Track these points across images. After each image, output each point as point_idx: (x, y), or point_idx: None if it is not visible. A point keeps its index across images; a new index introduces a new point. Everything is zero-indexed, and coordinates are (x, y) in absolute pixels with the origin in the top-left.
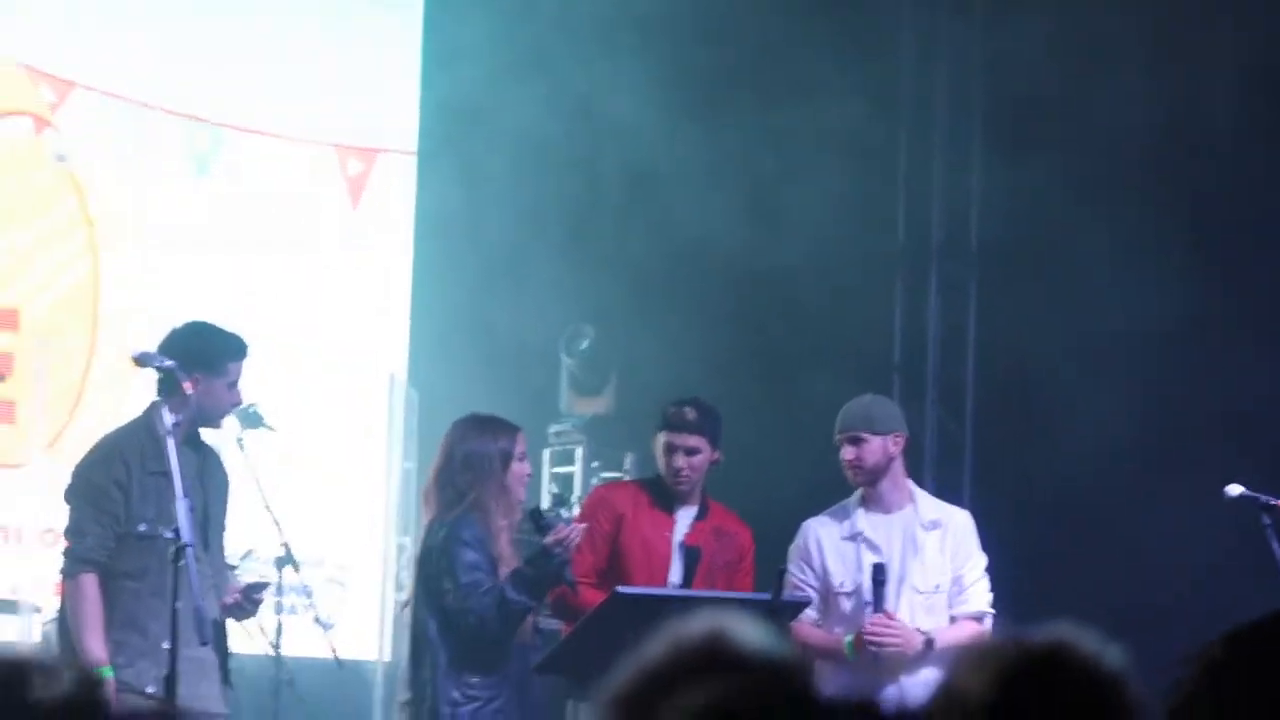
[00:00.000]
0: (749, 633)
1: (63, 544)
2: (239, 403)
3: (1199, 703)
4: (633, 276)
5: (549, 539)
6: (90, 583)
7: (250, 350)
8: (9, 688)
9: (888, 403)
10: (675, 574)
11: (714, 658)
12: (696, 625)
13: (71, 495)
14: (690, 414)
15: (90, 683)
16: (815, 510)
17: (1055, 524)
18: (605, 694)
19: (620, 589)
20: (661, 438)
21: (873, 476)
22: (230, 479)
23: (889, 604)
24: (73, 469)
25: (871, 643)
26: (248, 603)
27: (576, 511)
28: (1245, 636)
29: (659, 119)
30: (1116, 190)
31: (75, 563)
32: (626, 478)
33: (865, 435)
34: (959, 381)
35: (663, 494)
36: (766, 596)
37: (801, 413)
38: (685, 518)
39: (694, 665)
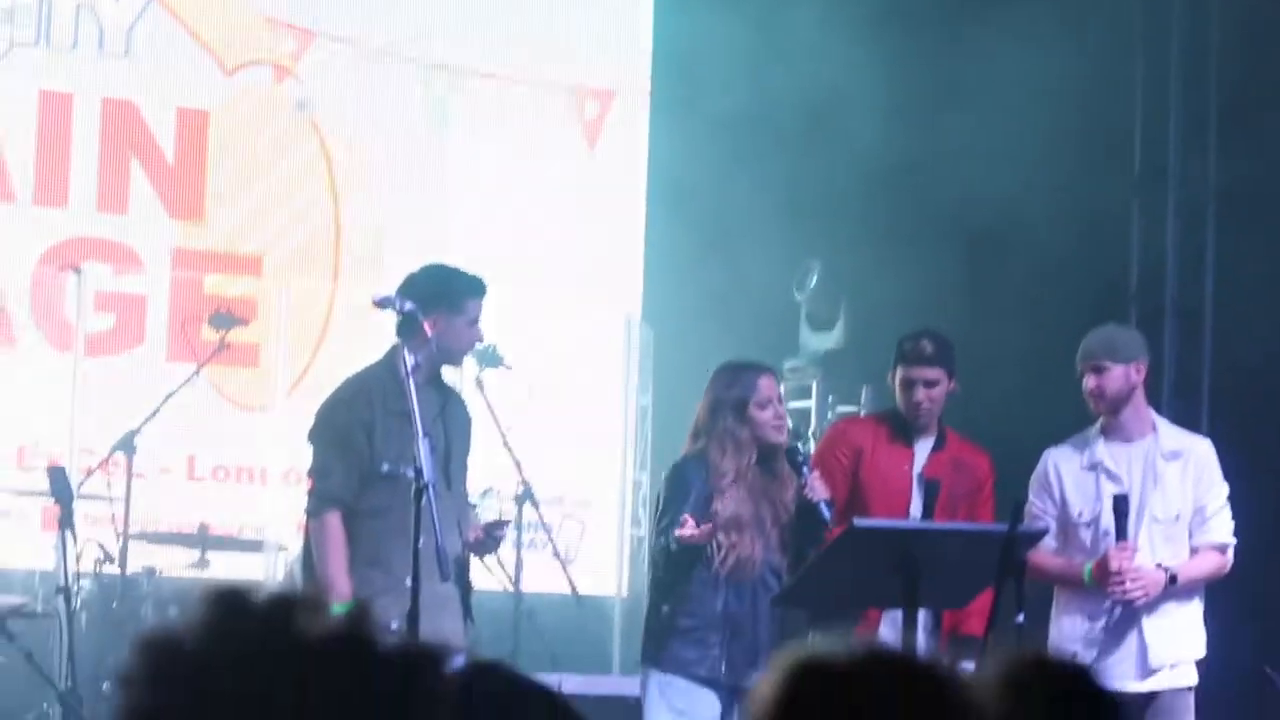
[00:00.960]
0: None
1: (306, 484)
2: (479, 340)
3: None
4: (862, 210)
5: (805, 491)
6: (335, 520)
7: (488, 289)
8: (274, 624)
9: (1130, 331)
10: (915, 506)
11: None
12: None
13: (315, 436)
14: (927, 346)
15: (357, 617)
16: (1055, 440)
17: None
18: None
19: (857, 521)
20: (899, 372)
21: (1115, 405)
22: (471, 419)
23: (1129, 537)
24: (316, 410)
25: (1114, 578)
26: (489, 539)
27: (813, 447)
28: None
29: (884, 52)
30: None
31: (321, 501)
32: (862, 412)
33: (1108, 364)
34: (1198, 310)
35: (901, 427)
36: (1003, 528)
37: (1038, 342)
38: (923, 449)
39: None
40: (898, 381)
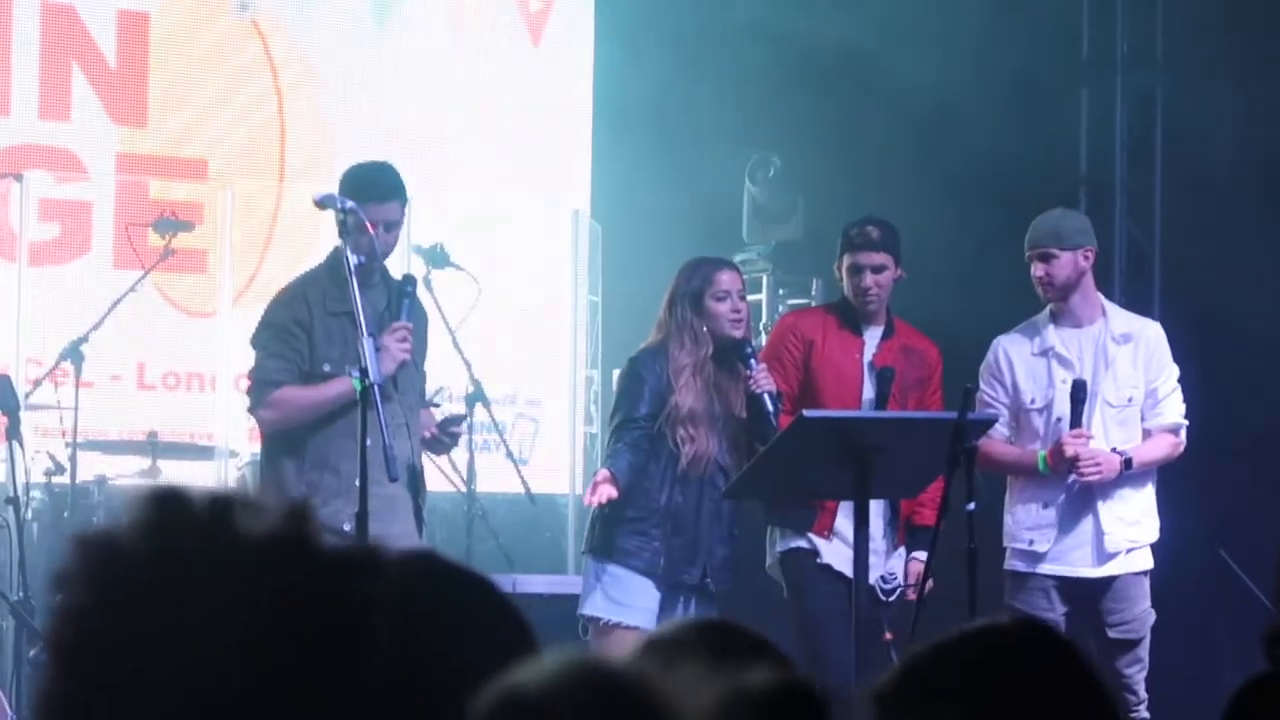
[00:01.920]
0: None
1: (247, 386)
2: (389, 248)
3: None
4: (812, 103)
5: (749, 383)
6: (286, 389)
7: (407, 195)
8: (213, 523)
9: (1077, 216)
10: (869, 395)
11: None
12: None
13: (255, 338)
14: (874, 232)
15: (298, 516)
16: (1004, 328)
17: (1241, 339)
18: None
19: (806, 412)
20: (845, 259)
21: (1063, 292)
22: (427, 318)
23: (1083, 423)
24: (259, 319)
25: (1071, 459)
26: (445, 436)
27: (764, 340)
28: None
29: None
30: None
31: (262, 386)
32: (814, 304)
33: (1055, 250)
34: (1147, 193)
35: (850, 316)
36: (953, 415)
37: (989, 229)
38: (873, 338)
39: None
40: (845, 269)
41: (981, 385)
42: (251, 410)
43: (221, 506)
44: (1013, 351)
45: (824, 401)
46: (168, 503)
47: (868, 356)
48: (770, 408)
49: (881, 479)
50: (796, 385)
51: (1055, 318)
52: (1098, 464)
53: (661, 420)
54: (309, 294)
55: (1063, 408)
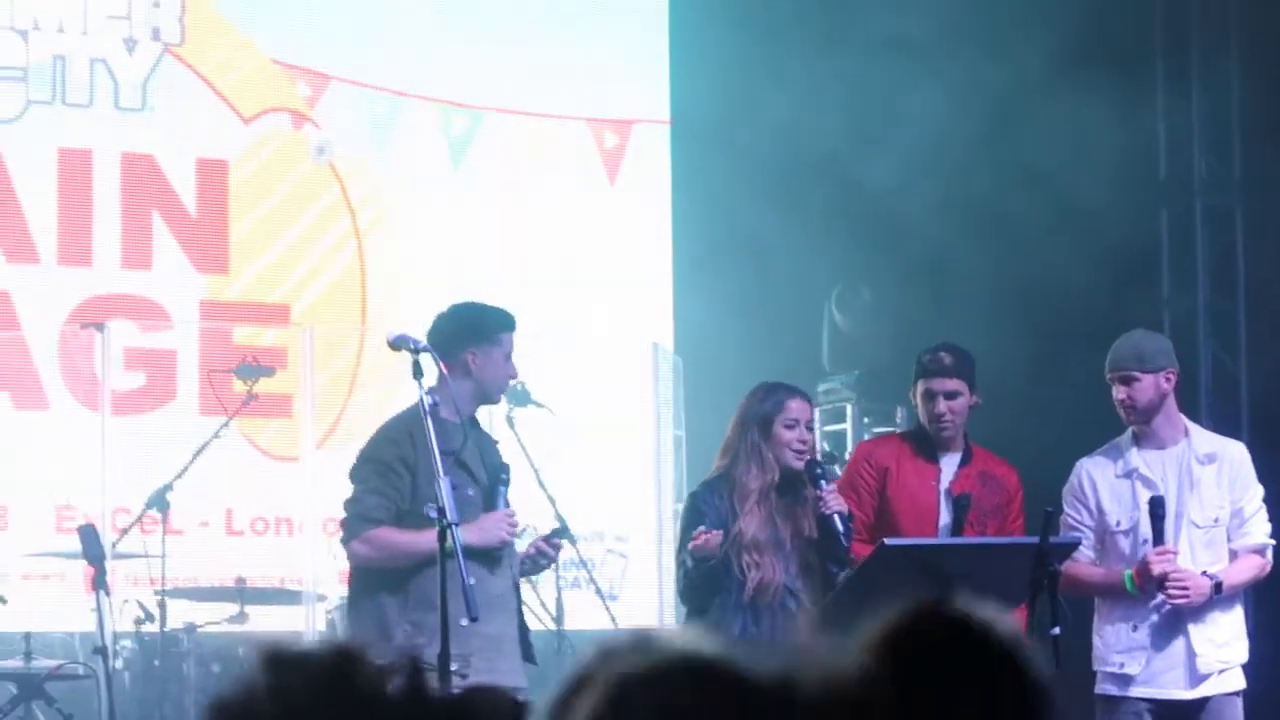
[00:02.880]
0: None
1: (342, 518)
2: (515, 375)
3: None
4: (895, 235)
5: (820, 504)
6: (383, 530)
7: (517, 324)
8: (336, 682)
9: (1158, 338)
10: (945, 521)
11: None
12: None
13: (355, 472)
14: (946, 358)
15: (412, 671)
16: (1086, 451)
17: None
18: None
19: (887, 541)
20: (920, 386)
21: (1146, 414)
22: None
23: (1168, 541)
24: (358, 453)
25: (1158, 578)
26: (550, 548)
27: (837, 470)
28: None
29: (906, 72)
30: None
31: (359, 521)
32: (898, 431)
33: (1137, 373)
34: (1231, 313)
35: (926, 443)
36: (1035, 540)
37: (1072, 352)
38: (950, 465)
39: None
40: (919, 395)
41: (1065, 508)
42: (344, 542)
43: (338, 661)
44: (1096, 474)
45: (901, 529)
46: (285, 659)
47: (944, 484)
48: (841, 528)
49: (963, 606)
50: (872, 513)
51: (1138, 439)
52: (1185, 587)
53: (727, 547)
54: (415, 433)
55: (1147, 529)
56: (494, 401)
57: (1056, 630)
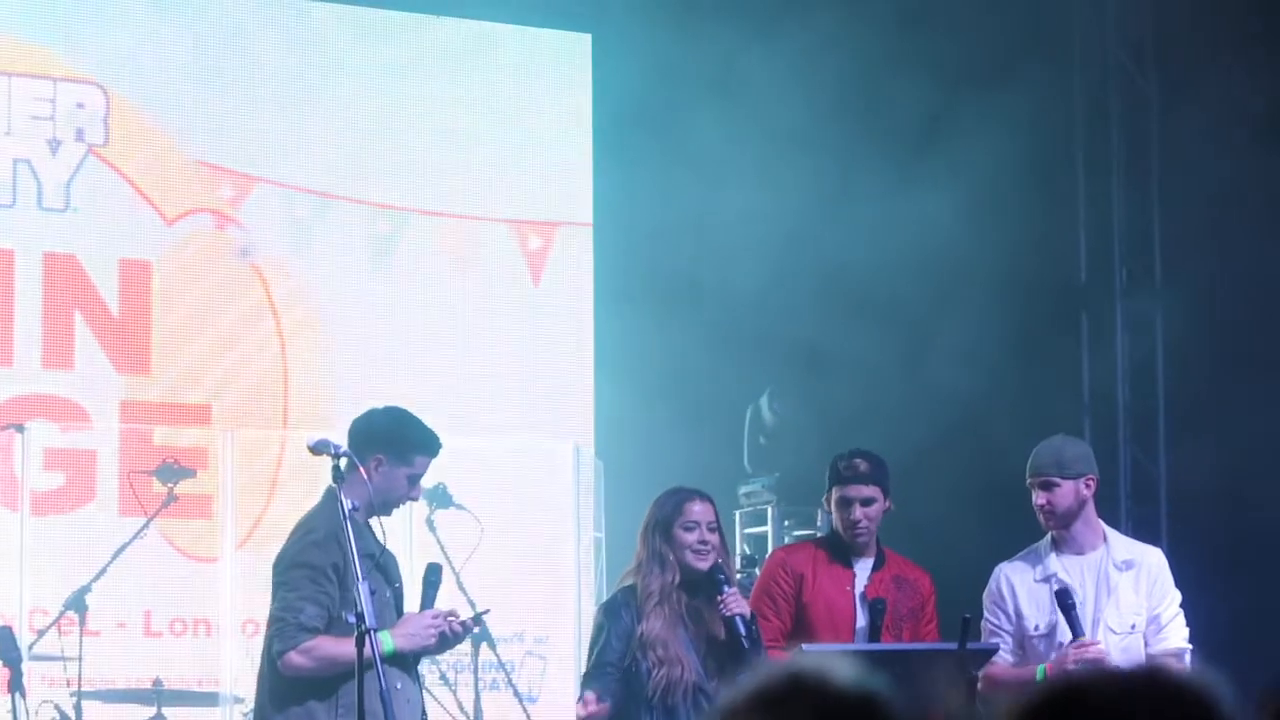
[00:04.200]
0: (837, 669)
1: (272, 626)
2: (415, 499)
3: None
4: (807, 342)
5: (720, 607)
6: (320, 640)
7: (440, 450)
8: None
9: (1078, 443)
10: (861, 625)
11: (796, 691)
12: (781, 665)
13: (285, 576)
14: (862, 465)
15: None
16: (1004, 556)
17: (1257, 559)
18: None
19: (805, 647)
20: (835, 492)
21: (1065, 520)
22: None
23: (1083, 630)
24: (284, 550)
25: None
26: (472, 622)
27: (757, 572)
28: None
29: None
30: None
31: (298, 631)
32: (814, 536)
33: (1057, 479)
34: (1151, 417)
35: (840, 549)
36: (954, 646)
37: (990, 458)
38: (864, 569)
39: (776, 698)
40: (834, 502)
41: (985, 613)
42: (280, 653)
43: None
44: (1015, 578)
45: (817, 635)
46: None
47: (859, 589)
48: (743, 630)
49: None
50: (789, 620)
51: (1057, 545)
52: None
53: (634, 648)
54: (340, 536)
55: (1065, 632)
56: (385, 514)
57: None
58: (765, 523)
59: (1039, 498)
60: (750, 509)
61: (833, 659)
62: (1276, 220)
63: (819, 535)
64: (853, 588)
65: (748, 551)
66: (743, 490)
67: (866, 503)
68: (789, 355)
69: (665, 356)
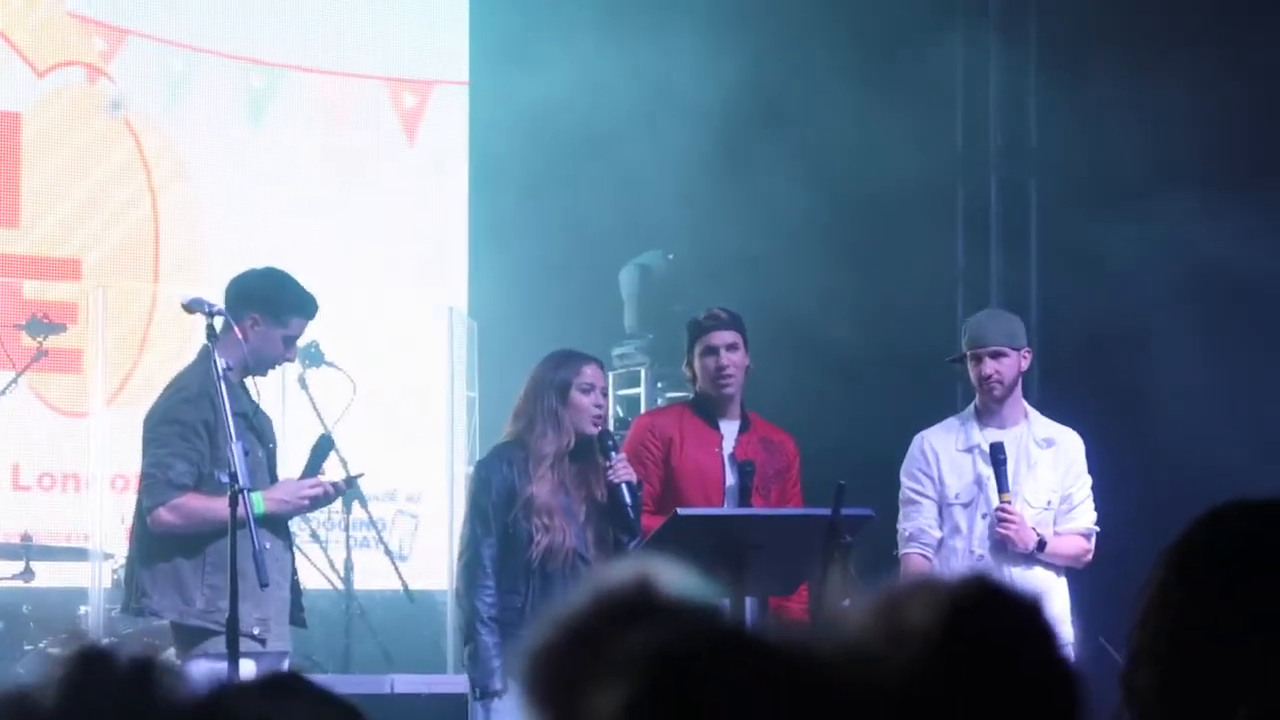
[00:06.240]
0: (676, 580)
1: (142, 481)
2: (290, 360)
3: (1170, 588)
4: (695, 195)
5: (609, 473)
6: (189, 496)
7: (317, 312)
8: (133, 689)
9: (1017, 318)
10: (730, 484)
11: (643, 605)
12: (621, 574)
13: (155, 433)
14: (722, 314)
15: (214, 699)
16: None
17: (1137, 437)
18: (527, 652)
19: (680, 510)
20: (698, 345)
21: (1009, 391)
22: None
23: (1009, 483)
24: (155, 407)
25: (1000, 519)
26: (345, 484)
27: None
28: (1224, 516)
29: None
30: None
31: (167, 488)
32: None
33: (1007, 350)
34: (1023, 290)
35: (706, 410)
36: (826, 512)
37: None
38: (730, 431)
39: (624, 614)
40: (698, 355)
41: (905, 480)
42: (149, 509)
43: (143, 671)
44: (938, 445)
45: (688, 498)
46: (91, 664)
47: (727, 450)
48: (628, 499)
49: (756, 576)
50: (659, 484)
51: (980, 416)
52: (1014, 523)
53: (517, 512)
54: (214, 396)
55: (985, 502)
56: (260, 374)
57: (847, 603)
58: (639, 384)
59: (988, 367)
60: (624, 370)
61: (673, 567)
62: None
63: (683, 400)
64: (720, 449)
65: (620, 414)
66: (616, 351)
67: (731, 348)
68: (667, 219)
69: (539, 219)
